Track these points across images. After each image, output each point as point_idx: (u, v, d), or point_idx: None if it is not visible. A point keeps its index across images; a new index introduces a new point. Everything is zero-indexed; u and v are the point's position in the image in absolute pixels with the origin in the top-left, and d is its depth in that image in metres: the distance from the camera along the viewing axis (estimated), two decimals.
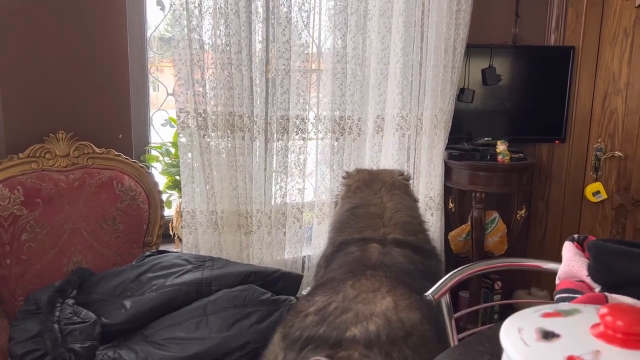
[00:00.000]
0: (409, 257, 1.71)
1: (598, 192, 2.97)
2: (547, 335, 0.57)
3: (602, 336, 0.55)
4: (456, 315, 1.33)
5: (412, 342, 1.32)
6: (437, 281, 1.36)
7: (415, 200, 2.16)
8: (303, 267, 2.57)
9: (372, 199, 2.00)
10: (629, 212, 2.93)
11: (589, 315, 0.60)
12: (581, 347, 0.54)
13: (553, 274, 1.05)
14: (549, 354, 0.54)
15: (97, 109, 2.24)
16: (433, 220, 2.73)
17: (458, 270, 1.37)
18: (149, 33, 2.47)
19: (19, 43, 2.08)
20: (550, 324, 0.59)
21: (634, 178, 2.92)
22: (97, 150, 2.19)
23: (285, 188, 2.46)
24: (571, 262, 0.99)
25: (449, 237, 2.89)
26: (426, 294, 1.25)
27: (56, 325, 1.72)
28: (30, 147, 2.09)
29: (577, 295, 0.91)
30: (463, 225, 2.88)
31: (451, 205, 2.90)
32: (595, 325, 0.57)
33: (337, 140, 2.52)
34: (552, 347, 0.55)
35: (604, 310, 0.56)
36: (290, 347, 1.38)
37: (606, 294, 0.86)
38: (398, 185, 2.08)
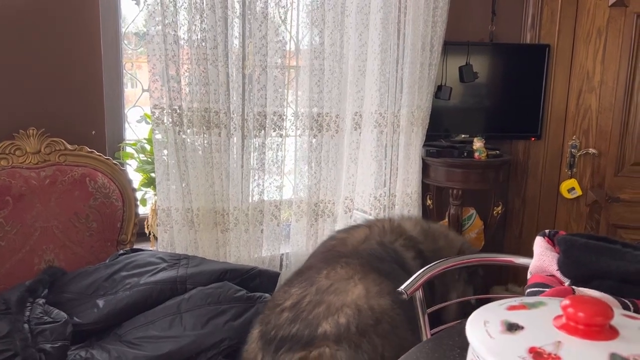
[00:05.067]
0: (384, 246, 1.74)
1: (573, 188, 3.01)
2: (511, 328, 0.57)
3: (564, 327, 0.55)
4: (429, 310, 1.34)
5: (381, 330, 1.35)
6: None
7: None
8: (281, 264, 2.56)
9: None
10: (602, 209, 2.98)
11: (553, 307, 0.61)
12: (543, 338, 0.54)
13: (528, 269, 1.06)
14: (512, 345, 0.54)
15: (69, 105, 2.20)
16: None
17: (432, 266, 1.37)
18: (124, 28, 2.43)
19: None
20: (515, 317, 0.59)
21: (607, 175, 2.97)
22: (69, 147, 2.14)
23: (263, 185, 2.44)
24: (542, 257, 0.99)
25: None
26: (399, 289, 1.26)
27: (26, 325, 1.69)
28: None
29: (547, 289, 0.91)
30: (441, 222, 2.90)
31: (429, 202, 2.91)
32: (558, 317, 0.57)
33: (315, 137, 2.51)
34: (515, 339, 0.55)
35: (566, 302, 0.56)
36: (267, 349, 1.40)
37: (574, 287, 0.87)
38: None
